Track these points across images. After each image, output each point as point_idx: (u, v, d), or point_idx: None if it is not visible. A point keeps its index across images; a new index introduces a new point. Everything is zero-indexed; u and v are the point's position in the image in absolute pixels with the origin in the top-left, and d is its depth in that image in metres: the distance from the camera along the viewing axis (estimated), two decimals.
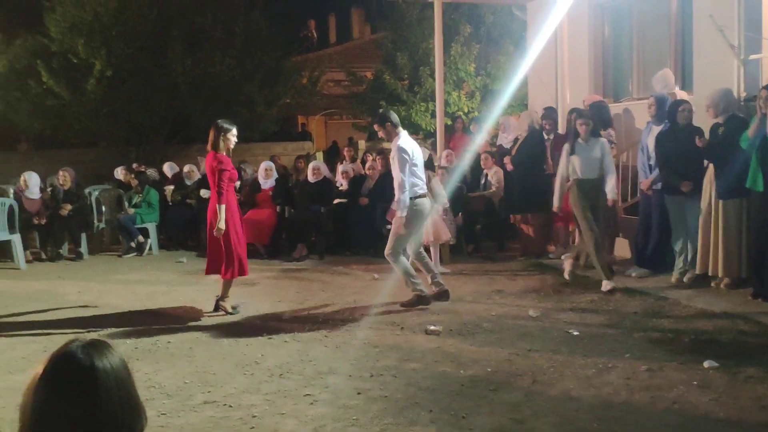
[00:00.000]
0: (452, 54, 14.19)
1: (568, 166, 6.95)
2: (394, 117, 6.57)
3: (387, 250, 6.49)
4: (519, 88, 14.29)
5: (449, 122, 12.79)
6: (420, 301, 6.45)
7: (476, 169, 9.88)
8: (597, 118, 7.66)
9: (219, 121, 6.45)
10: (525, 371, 4.64)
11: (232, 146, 6.44)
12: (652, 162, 7.26)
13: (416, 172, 6.42)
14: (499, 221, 9.40)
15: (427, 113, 14.86)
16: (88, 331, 5.97)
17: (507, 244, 9.51)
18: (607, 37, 10.06)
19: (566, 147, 7.09)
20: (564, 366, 4.72)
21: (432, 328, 5.62)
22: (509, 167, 8.85)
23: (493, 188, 9.41)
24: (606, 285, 6.74)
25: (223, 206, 6.24)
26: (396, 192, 6.39)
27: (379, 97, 15.28)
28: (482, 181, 9.63)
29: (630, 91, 9.60)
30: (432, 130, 14.60)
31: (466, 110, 14.61)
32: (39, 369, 1.56)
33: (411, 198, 6.36)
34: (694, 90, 8.11)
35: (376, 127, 6.70)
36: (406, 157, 6.28)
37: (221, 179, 6.25)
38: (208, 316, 6.48)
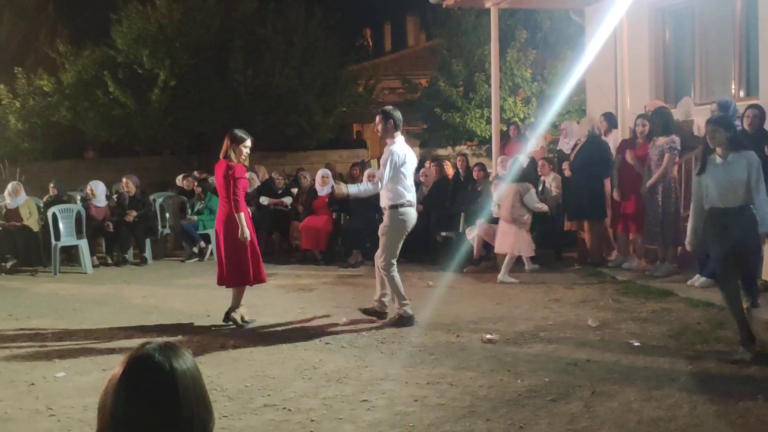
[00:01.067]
0: (508, 60, 14.13)
1: (702, 191, 5.08)
2: (398, 118, 6.22)
3: (381, 263, 6.28)
4: (577, 94, 14.15)
5: (504, 128, 12.72)
6: (403, 321, 6.17)
7: (533, 175, 9.78)
8: (660, 124, 7.52)
9: (234, 130, 6.29)
10: (584, 382, 4.58)
11: (244, 157, 6.26)
12: None
13: (404, 179, 6.21)
14: (556, 228, 9.28)
15: (482, 119, 14.82)
16: (155, 335, 6.17)
17: (564, 252, 9.38)
18: (667, 41, 9.86)
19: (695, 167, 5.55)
20: (624, 377, 4.65)
21: (488, 336, 5.61)
22: (567, 173, 8.74)
23: (552, 195, 9.29)
24: (741, 354, 4.91)
25: (242, 214, 6.19)
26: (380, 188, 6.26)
27: (434, 104, 15.32)
28: (539, 188, 9.53)
29: (692, 96, 9.38)
30: (487, 137, 14.56)
31: (522, 116, 14.51)
32: (117, 371, 1.61)
33: (397, 206, 6.21)
34: (759, 94, 7.88)
35: (377, 119, 6.32)
36: (396, 161, 6.12)
37: (236, 187, 6.16)
38: (215, 329, 6.38)
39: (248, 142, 6.27)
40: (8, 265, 9.80)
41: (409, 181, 6.30)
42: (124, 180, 10.62)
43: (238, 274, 6.31)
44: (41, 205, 10.60)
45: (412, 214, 6.37)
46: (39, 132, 14.32)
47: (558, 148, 10.16)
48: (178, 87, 13.50)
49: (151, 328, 6.48)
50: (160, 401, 1.56)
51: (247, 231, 6.20)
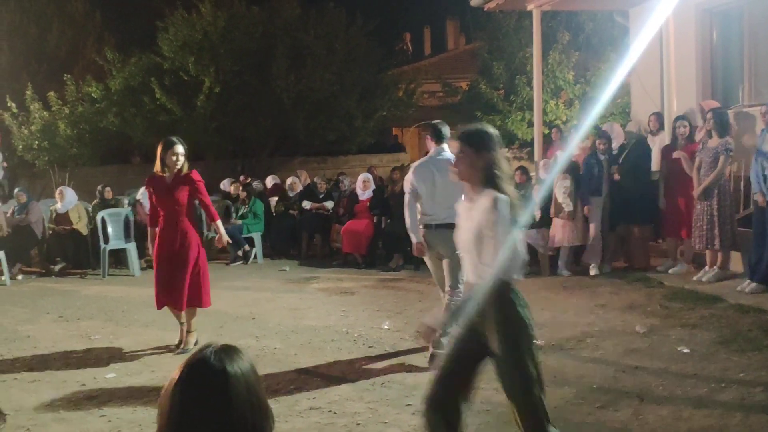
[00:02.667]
0: (550, 62, 13.99)
1: None
2: (438, 129, 5.52)
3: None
4: (621, 96, 13.94)
5: (547, 131, 12.60)
6: None
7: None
8: (719, 125, 7.36)
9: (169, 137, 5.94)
10: (632, 389, 4.51)
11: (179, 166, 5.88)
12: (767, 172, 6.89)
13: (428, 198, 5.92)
14: (602, 232, 9.13)
15: (524, 123, 14.71)
16: (201, 336, 6.27)
17: (610, 256, 9.23)
18: (715, 42, 9.65)
19: None
20: (674, 384, 4.56)
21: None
22: (616, 177, 8.55)
23: None
24: None
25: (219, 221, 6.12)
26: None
27: (474, 107, 15.25)
28: None
29: (740, 98, 9.16)
30: (528, 140, 14.44)
31: (564, 119, 14.36)
32: (175, 374, 1.64)
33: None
34: None
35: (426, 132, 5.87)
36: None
37: (204, 194, 6.04)
38: (259, 331, 6.44)
39: (178, 148, 5.83)
40: (58, 268, 10.08)
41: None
42: None
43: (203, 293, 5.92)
44: (90, 209, 10.88)
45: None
46: (87, 138, 14.71)
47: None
48: (223, 93, 13.73)
49: (198, 330, 6.56)
50: (211, 405, 1.57)
51: (226, 235, 6.33)
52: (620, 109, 14.15)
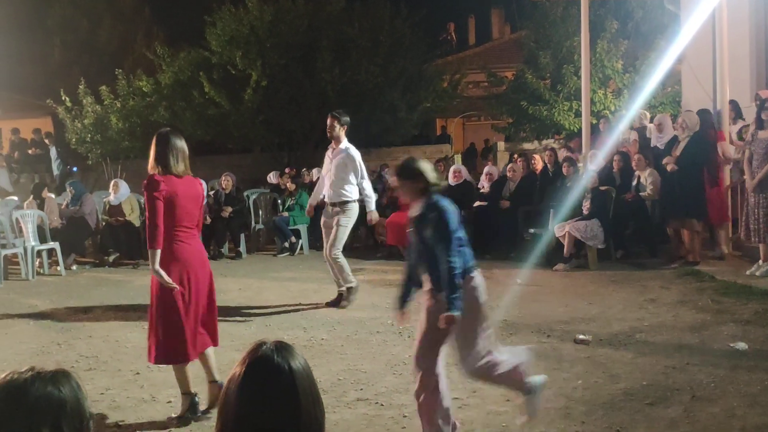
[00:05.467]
0: (598, 51, 13.77)
1: None
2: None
3: (332, 252, 6.88)
4: (671, 85, 13.62)
5: (594, 122, 12.41)
6: (351, 293, 6.98)
7: (625, 170, 9.50)
8: None
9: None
10: (683, 386, 4.44)
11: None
12: None
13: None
14: (651, 225, 8.98)
15: (571, 113, 14.51)
16: (252, 328, 6.39)
17: (659, 249, 9.07)
18: None
19: None
20: (726, 382, 4.47)
21: (581, 337, 5.51)
22: (671, 168, 8.31)
23: (648, 191, 8.98)
24: None
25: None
26: (367, 190, 7.03)
27: (520, 97, 15.12)
28: (634, 183, 9.24)
29: None
30: (575, 130, 14.24)
31: (612, 109, 14.12)
32: (237, 372, 1.66)
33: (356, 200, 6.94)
34: None
35: (334, 123, 6.86)
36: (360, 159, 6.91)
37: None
38: (306, 322, 6.56)
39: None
40: (111, 258, 10.37)
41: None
42: (224, 177, 11.05)
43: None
44: (142, 200, 11.15)
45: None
46: (139, 131, 15.04)
47: (653, 144, 9.79)
48: (269, 86, 13.89)
49: (247, 320, 6.71)
50: (282, 403, 1.61)
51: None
52: (670, 98, 13.85)
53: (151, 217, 4.11)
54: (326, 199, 7.04)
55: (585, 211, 8.60)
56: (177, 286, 4.12)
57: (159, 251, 4.10)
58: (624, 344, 5.40)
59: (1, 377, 1.64)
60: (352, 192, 6.92)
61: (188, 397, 4.29)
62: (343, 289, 7.05)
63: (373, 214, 7.23)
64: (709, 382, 4.48)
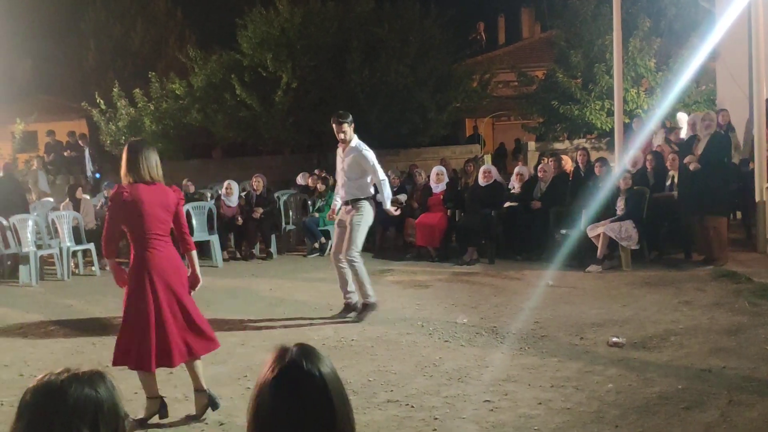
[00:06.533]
0: (630, 49, 13.61)
1: None
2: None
3: (349, 254, 6.57)
4: (705, 83, 13.40)
5: (627, 121, 12.26)
6: (367, 309, 6.64)
7: (658, 169, 9.36)
8: None
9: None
10: (720, 390, 4.36)
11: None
12: None
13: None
14: (686, 225, 8.82)
15: (603, 112, 14.36)
16: (284, 328, 6.43)
17: (694, 250, 8.91)
18: None
19: None
20: (764, 385, 4.38)
21: (615, 339, 5.44)
22: (693, 167, 8.19)
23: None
24: None
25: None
26: (384, 190, 6.75)
27: (551, 96, 15.00)
28: (668, 183, 9.09)
29: None
30: (607, 129, 14.08)
31: (645, 108, 13.93)
32: (266, 378, 1.65)
33: (372, 197, 6.76)
34: None
35: (344, 126, 6.69)
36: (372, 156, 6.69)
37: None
38: (336, 323, 6.50)
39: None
40: None
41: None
42: (254, 179, 11.14)
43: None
44: None
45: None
46: (172, 133, 15.25)
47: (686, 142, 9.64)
48: (299, 88, 13.99)
49: (279, 320, 6.75)
50: (317, 408, 1.61)
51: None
52: (705, 96, 13.64)
53: (107, 227, 4.34)
54: (339, 198, 6.94)
55: (619, 212, 8.49)
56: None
57: (112, 261, 4.36)
58: (658, 347, 5.32)
59: (38, 379, 1.67)
60: (364, 190, 6.72)
61: (154, 401, 4.31)
62: (350, 299, 6.75)
63: (390, 211, 6.95)
64: (746, 386, 4.39)
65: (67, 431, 1.59)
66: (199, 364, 4.39)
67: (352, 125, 6.76)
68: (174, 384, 4.99)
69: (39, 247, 9.85)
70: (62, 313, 7.51)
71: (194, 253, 4.52)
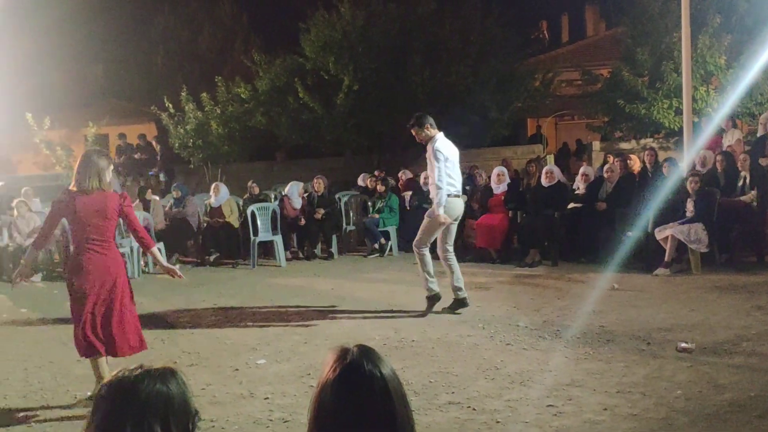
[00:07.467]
0: (699, 46, 13.18)
1: None
2: (431, 119, 6.79)
3: (415, 242, 6.84)
4: None
5: (696, 120, 11.88)
6: (430, 302, 6.82)
7: (729, 170, 9.04)
8: None
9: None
10: None
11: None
12: None
13: (451, 172, 6.67)
14: (758, 228, 8.50)
15: (671, 110, 13.96)
16: (346, 327, 6.50)
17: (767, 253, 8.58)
18: None
19: None
20: None
21: (683, 345, 5.28)
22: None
23: (754, 192, 8.52)
24: None
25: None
26: (432, 191, 6.76)
27: (616, 95, 14.66)
28: (739, 184, 8.78)
29: None
30: (676, 129, 13.68)
31: (715, 106, 13.46)
32: (327, 378, 1.68)
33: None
34: None
35: (414, 130, 6.78)
36: (441, 157, 6.57)
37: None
38: (395, 323, 6.56)
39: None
40: (212, 258, 10.79)
41: (455, 173, 6.82)
42: (316, 180, 11.31)
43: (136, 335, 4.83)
44: (240, 203, 11.58)
45: (458, 204, 6.92)
46: (237, 136, 15.57)
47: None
48: (360, 90, 14.09)
49: (339, 320, 6.83)
50: (378, 409, 1.64)
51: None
52: None
53: (44, 224, 4.89)
54: None
55: (688, 214, 8.25)
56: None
57: (36, 253, 4.92)
58: (729, 353, 5.14)
59: (112, 375, 1.75)
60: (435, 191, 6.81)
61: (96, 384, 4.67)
62: (462, 294, 6.85)
63: (439, 218, 6.69)
64: None
65: (139, 425, 1.65)
66: (102, 362, 4.71)
67: (424, 126, 6.74)
68: (239, 381, 5.11)
69: None
70: None
71: (155, 249, 4.96)
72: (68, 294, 4.71)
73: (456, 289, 6.83)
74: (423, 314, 6.80)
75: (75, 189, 4.61)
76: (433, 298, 6.85)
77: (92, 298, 4.59)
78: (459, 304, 6.85)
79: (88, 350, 4.66)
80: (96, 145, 17.38)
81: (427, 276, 6.83)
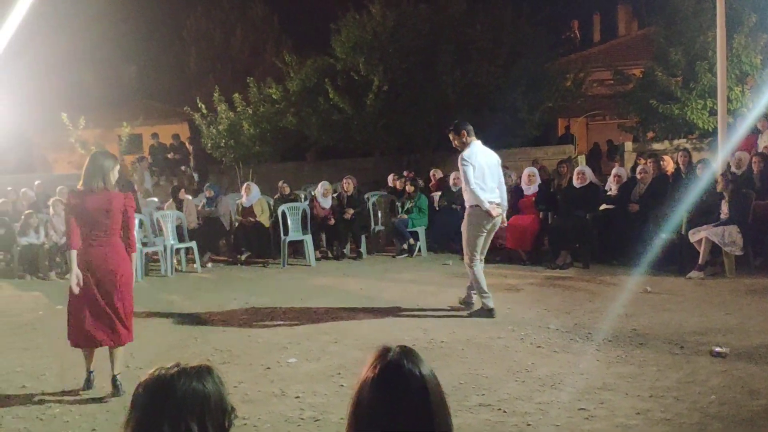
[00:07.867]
0: (734, 46, 12.98)
1: None
2: (469, 126, 6.81)
3: (465, 261, 6.84)
4: None
5: (731, 120, 11.68)
6: (482, 313, 6.76)
7: (766, 172, 8.89)
8: None
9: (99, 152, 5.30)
10: None
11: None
12: None
13: (483, 181, 6.68)
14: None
15: (705, 111, 13.75)
16: (374, 328, 6.52)
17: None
18: None
19: None
20: None
21: (717, 349, 5.21)
22: None
23: None
24: None
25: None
26: (466, 197, 6.79)
27: (649, 95, 14.48)
28: None
29: None
30: (710, 129, 13.47)
31: (750, 107, 13.22)
32: (366, 377, 1.70)
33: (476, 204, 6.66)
34: None
35: (451, 135, 6.83)
36: (468, 165, 6.61)
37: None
38: (425, 324, 6.56)
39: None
40: (243, 257, 10.91)
41: (490, 181, 6.80)
42: (345, 180, 11.37)
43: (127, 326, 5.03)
44: (271, 203, 11.68)
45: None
46: (268, 136, 15.70)
47: None
48: (390, 91, 14.13)
49: (369, 320, 6.85)
50: (415, 408, 1.65)
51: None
52: None
53: (66, 223, 5.06)
54: None
55: (723, 216, 8.12)
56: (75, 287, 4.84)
57: (74, 252, 4.87)
58: (765, 358, 5.06)
59: (150, 372, 1.79)
60: (468, 197, 6.82)
61: (87, 374, 5.05)
62: (472, 298, 6.98)
63: (491, 211, 6.73)
64: None
65: (176, 423, 1.68)
66: (116, 353, 4.95)
67: (460, 133, 6.78)
68: (270, 379, 5.15)
69: (144, 244, 10.39)
70: (165, 307, 7.88)
71: (134, 255, 5.17)
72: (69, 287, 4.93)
73: (469, 288, 6.96)
74: (468, 315, 6.85)
75: (82, 188, 4.91)
76: (488, 312, 6.76)
77: (93, 290, 4.85)
78: (466, 304, 6.99)
79: (86, 341, 4.92)
80: (129, 145, 17.71)
81: (482, 294, 6.81)
